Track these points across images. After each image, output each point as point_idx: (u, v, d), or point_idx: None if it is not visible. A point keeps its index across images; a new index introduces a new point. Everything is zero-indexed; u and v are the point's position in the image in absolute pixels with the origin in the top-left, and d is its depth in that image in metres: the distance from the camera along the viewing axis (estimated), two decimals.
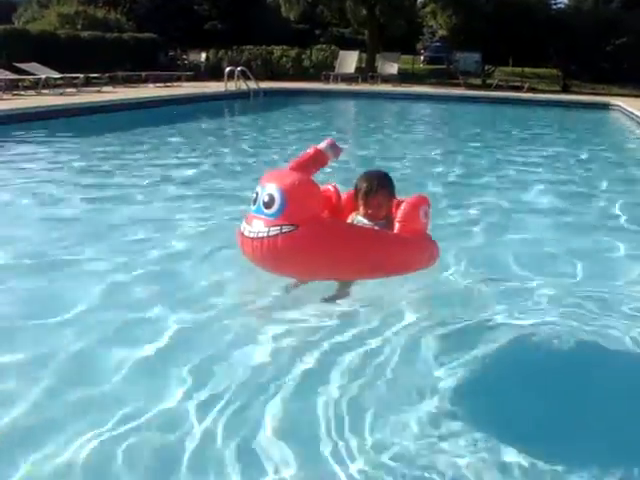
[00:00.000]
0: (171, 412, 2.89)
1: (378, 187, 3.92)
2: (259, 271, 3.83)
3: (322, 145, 3.90)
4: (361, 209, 3.99)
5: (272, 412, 2.90)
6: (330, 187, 4.21)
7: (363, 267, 3.74)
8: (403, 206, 3.81)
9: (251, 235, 3.55)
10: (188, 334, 3.68)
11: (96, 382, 3.13)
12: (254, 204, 3.59)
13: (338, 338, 3.66)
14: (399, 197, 4.03)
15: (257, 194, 3.59)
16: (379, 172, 4.14)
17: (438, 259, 4.03)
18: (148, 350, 3.46)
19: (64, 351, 3.42)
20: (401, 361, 3.41)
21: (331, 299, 4.06)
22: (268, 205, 3.48)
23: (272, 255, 3.53)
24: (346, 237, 3.65)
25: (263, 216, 3.51)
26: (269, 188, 3.51)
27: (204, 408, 2.91)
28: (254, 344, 3.61)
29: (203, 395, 3.03)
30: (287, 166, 3.84)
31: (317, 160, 3.85)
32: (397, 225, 3.79)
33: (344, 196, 4.22)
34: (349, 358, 3.43)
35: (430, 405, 3.01)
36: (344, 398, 3.04)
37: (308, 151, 3.88)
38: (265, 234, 3.47)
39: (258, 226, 3.51)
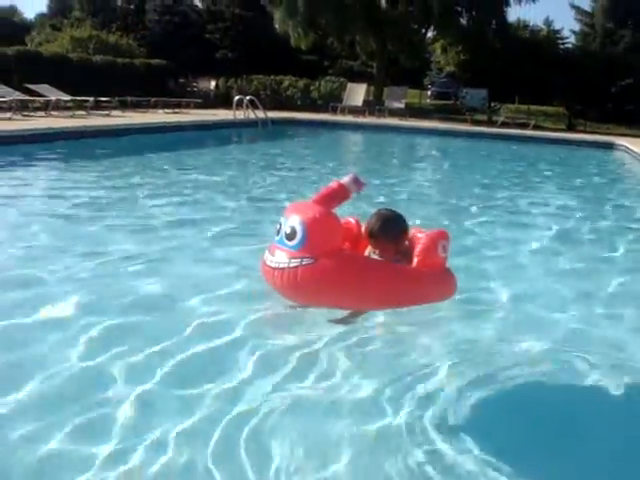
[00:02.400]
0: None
1: (379, 232, 3.96)
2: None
3: (345, 179, 3.97)
4: (370, 247, 4.09)
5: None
6: (351, 220, 4.32)
7: (379, 299, 3.90)
8: (422, 240, 3.91)
9: (273, 265, 3.79)
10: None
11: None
12: (277, 235, 3.80)
13: (342, 360, 3.71)
14: (419, 229, 4.11)
15: (280, 225, 3.79)
16: (385, 214, 4.09)
17: (455, 292, 4.09)
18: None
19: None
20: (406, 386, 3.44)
21: (341, 322, 4.14)
22: (290, 237, 3.69)
23: (292, 285, 3.74)
24: (363, 270, 3.81)
25: (285, 247, 3.73)
26: (292, 220, 3.71)
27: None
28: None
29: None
30: (310, 199, 3.94)
31: (339, 194, 3.93)
32: (415, 259, 3.88)
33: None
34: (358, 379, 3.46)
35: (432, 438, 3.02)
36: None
37: (331, 185, 3.96)
38: (286, 265, 3.69)
39: (280, 257, 3.73)
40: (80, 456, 2.71)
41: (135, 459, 2.71)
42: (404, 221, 4.06)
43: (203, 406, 3.15)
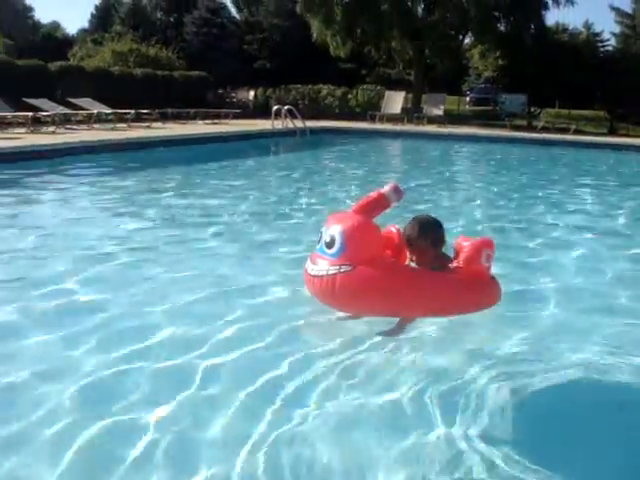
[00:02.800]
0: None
1: (417, 236, 3.93)
2: None
3: (385, 189, 3.99)
4: (408, 255, 4.07)
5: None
6: (392, 229, 4.30)
7: (417, 307, 3.90)
8: (466, 248, 3.88)
9: (313, 273, 3.87)
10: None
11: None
12: (318, 244, 3.88)
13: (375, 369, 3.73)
14: (465, 237, 4.06)
15: (321, 234, 3.87)
16: (423, 220, 4.06)
17: (499, 301, 4.05)
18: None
19: None
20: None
21: (386, 334, 4.13)
22: (329, 245, 3.77)
23: (331, 293, 3.79)
24: (401, 278, 3.82)
25: (325, 255, 3.81)
26: (332, 229, 3.79)
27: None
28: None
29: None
30: (350, 208, 4.01)
31: (379, 203, 3.96)
32: (457, 266, 3.86)
33: None
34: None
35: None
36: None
37: (371, 194, 4.00)
38: (325, 272, 3.76)
39: (320, 265, 3.82)
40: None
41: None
42: (441, 227, 4.04)
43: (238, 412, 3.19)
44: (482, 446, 2.99)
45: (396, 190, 3.99)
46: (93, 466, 2.78)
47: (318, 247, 3.90)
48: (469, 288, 3.89)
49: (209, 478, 2.69)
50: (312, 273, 3.89)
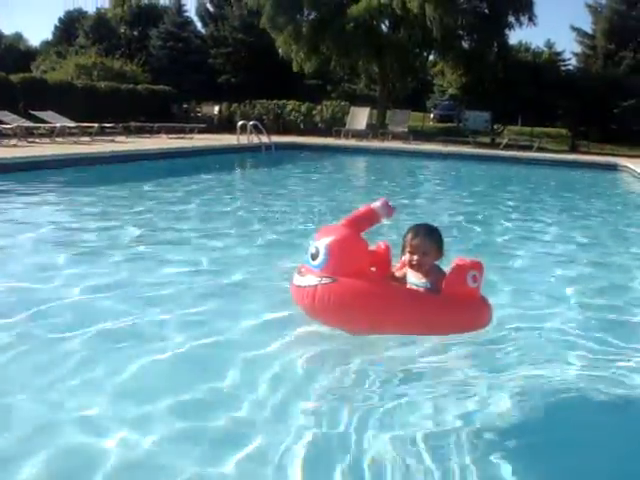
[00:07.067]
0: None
1: (425, 235, 4.05)
2: None
3: (375, 204, 4.02)
4: (407, 256, 4.08)
5: None
6: (382, 244, 4.37)
7: (397, 325, 3.88)
8: (452, 268, 3.91)
9: (297, 283, 3.94)
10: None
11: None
12: (306, 255, 3.94)
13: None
14: (462, 258, 4.07)
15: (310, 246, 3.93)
16: (427, 224, 4.26)
17: (489, 323, 4.08)
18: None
19: None
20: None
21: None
22: (314, 257, 3.84)
23: (311, 304, 3.83)
24: (382, 294, 3.82)
25: (309, 267, 3.86)
26: (317, 242, 3.86)
27: None
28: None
29: None
30: (339, 222, 4.04)
31: (368, 218, 4.00)
32: (446, 286, 3.88)
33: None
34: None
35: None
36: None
37: (361, 209, 4.04)
38: (308, 284, 3.80)
39: (305, 276, 3.87)
40: None
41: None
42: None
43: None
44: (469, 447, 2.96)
45: (386, 205, 4.03)
46: None
47: (305, 259, 3.96)
48: (456, 309, 3.90)
49: None
50: (297, 284, 3.95)
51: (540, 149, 26.64)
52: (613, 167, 21.30)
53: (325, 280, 3.74)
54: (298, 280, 3.94)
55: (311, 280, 3.80)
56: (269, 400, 3.45)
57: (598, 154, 26.60)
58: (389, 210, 4.03)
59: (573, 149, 29.76)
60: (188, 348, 4.07)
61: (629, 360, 4.23)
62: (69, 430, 3.08)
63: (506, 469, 2.90)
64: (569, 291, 5.93)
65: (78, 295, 5.03)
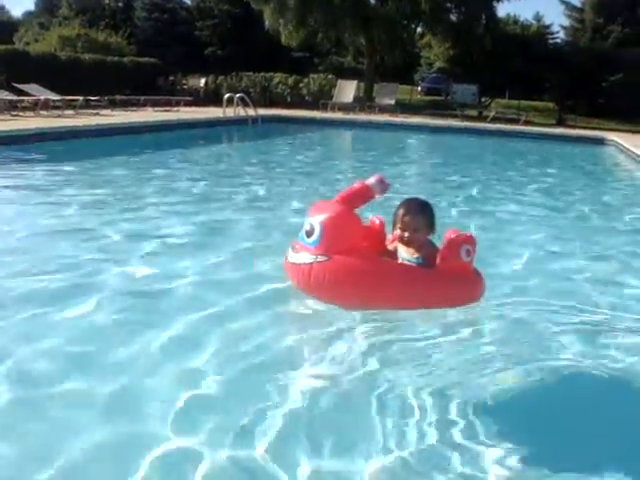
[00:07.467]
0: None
1: (417, 212, 4.06)
2: None
3: (370, 180, 4.01)
4: (398, 232, 4.09)
5: None
6: (376, 220, 4.38)
7: (391, 300, 3.92)
8: (445, 243, 3.95)
9: (292, 260, 3.96)
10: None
11: None
12: (300, 232, 3.96)
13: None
14: (455, 230, 4.13)
15: (304, 223, 3.94)
16: (419, 199, 4.27)
17: (482, 297, 4.11)
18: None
19: None
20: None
21: None
22: (309, 234, 3.86)
23: (306, 282, 3.87)
24: (375, 270, 3.85)
25: (304, 244, 3.88)
26: (312, 219, 3.87)
27: None
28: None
29: None
30: (333, 199, 4.02)
31: (363, 194, 3.99)
32: (440, 260, 3.90)
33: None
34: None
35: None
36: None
37: (355, 185, 4.02)
38: (302, 261, 3.84)
39: (299, 253, 3.90)
40: None
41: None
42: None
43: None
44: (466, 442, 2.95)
45: (381, 182, 4.02)
46: None
47: (300, 235, 3.96)
48: (449, 283, 3.93)
49: None
50: (291, 261, 3.97)
51: (528, 122, 26.60)
52: (600, 141, 21.29)
53: (321, 258, 3.77)
54: (293, 257, 3.96)
55: (306, 258, 3.83)
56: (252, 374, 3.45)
57: (585, 128, 26.62)
58: (384, 186, 4.02)
59: (560, 123, 29.74)
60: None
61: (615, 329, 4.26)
62: None
63: (503, 448, 2.90)
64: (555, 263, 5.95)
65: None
